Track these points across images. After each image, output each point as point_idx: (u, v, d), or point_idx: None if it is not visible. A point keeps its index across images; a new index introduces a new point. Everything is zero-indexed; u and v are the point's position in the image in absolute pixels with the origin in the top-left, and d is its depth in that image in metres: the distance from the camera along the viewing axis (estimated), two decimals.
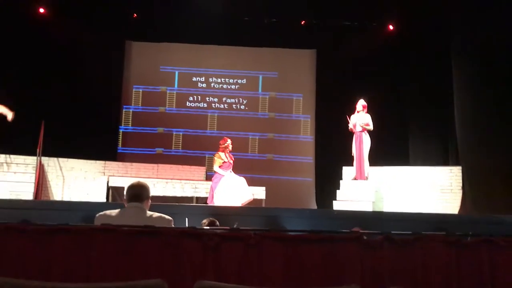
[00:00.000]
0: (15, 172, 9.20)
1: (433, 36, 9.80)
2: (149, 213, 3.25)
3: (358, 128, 8.47)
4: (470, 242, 2.64)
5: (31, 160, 9.28)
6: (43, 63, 10.32)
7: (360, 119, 8.48)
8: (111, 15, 10.75)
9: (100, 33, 10.63)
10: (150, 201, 3.36)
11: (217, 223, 4.35)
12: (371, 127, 8.46)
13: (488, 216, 6.45)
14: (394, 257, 2.59)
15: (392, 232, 2.65)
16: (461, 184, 8.75)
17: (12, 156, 9.44)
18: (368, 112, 8.59)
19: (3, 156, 9.41)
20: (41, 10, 10.50)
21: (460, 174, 8.78)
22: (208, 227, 3.87)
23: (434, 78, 10.11)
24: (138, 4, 10.85)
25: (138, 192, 3.29)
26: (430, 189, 9.02)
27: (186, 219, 4.68)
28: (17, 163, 9.38)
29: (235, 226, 4.77)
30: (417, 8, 9.77)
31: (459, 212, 8.39)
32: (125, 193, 3.38)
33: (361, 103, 8.58)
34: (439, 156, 10.04)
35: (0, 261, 2.44)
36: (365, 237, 2.63)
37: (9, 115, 7.73)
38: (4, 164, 9.33)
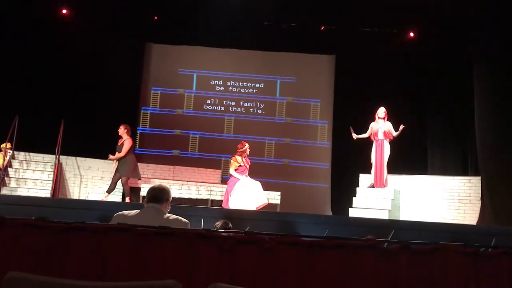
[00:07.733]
0: (33, 170, 9.35)
1: (454, 43, 9.68)
2: (166, 214, 3.26)
3: (381, 136, 8.38)
4: (489, 254, 2.58)
5: (50, 158, 9.44)
6: (63, 64, 10.45)
7: (383, 127, 8.40)
8: (131, 18, 10.85)
9: (120, 35, 10.76)
10: (169, 204, 3.37)
11: (230, 225, 4.36)
12: (395, 133, 8.37)
13: (508, 228, 6.32)
14: (410, 266, 2.55)
15: (409, 241, 2.61)
16: (480, 195, 8.60)
17: (31, 154, 9.61)
18: (388, 119, 8.52)
19: (22, 153, 9.57)
20: (64, 12, 10.67)
21: (479, 184, 8.63)
22: (221, 230, 3.87)
23: (454, 86, 9.97)
24: (158, 7, 10.94)
25: (158, 194, 3.31)
26: (448, 199, 8.88)
27: (202, 220, 4.69)
28: (36, 161, 9.54)
29: (247, 230, 4.76)
30: (438, 15, 9.66)
31: (477, 223, 8.25)
32: (145, 194, 3.43)
33: (382, 110, 8.49)
34: (457, 166, 9.87)
35: (17, 257, 2.46)
36: (381, 245, 2.59)
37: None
38: (24, 162, 9.49)
